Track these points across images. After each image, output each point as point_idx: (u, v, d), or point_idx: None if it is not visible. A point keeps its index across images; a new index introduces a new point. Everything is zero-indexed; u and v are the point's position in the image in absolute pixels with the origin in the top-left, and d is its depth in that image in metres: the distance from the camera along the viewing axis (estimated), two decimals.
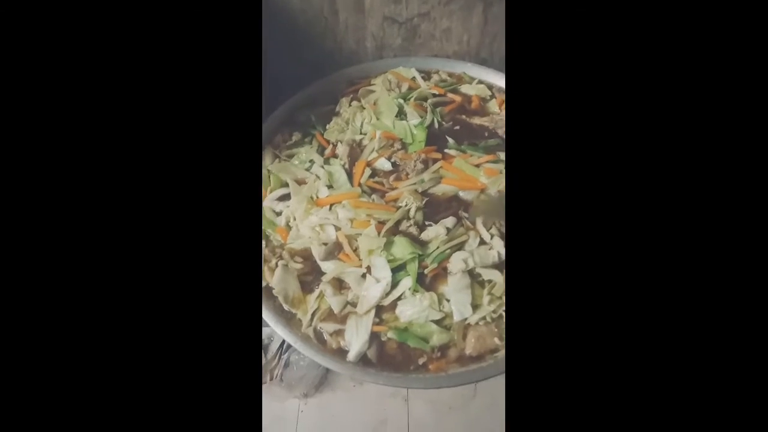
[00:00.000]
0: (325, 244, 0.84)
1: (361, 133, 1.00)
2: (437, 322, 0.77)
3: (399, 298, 0.79)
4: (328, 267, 0.83)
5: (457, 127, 1.00)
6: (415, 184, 0.90)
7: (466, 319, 0.77)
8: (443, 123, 1.00)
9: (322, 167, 0.94)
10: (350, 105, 1.04)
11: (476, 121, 1.00)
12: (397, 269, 0.80)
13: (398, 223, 0.85)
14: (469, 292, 0.78)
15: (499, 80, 1.07)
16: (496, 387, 0.73)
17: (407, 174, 0.93)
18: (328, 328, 0.79)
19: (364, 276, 0.81)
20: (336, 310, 0.79)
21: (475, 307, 0.78)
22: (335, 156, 0.96)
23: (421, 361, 0.76)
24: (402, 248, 0.80)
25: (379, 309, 0.79)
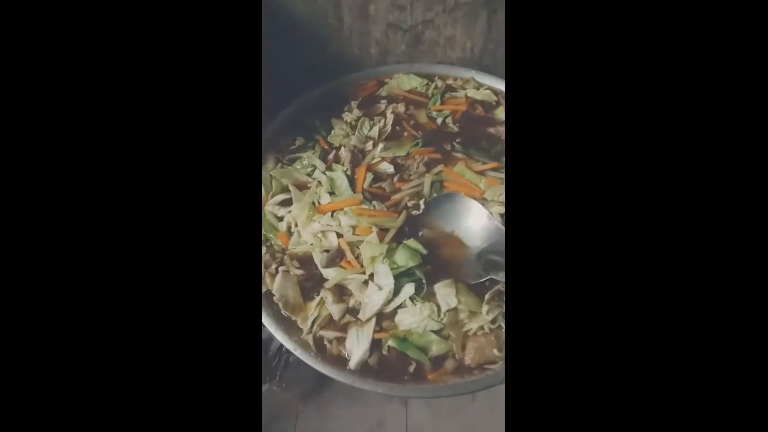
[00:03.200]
0: (327, 251, 0.84)
1: (368, 139, 1.00)
2: (436, 332, 0.78)
3: (400, 306, 0.79)
4: (330, 274, 0.83)
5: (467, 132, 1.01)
6: (417, 186, 0.91)
7: (464, 325, 0.78)
8: (454, 127, 1.01)
9: (324, 173, 0.94)
10: (355, 109, 1.05)
11: (483, 130, 1.01)
12: (400, 276, 0.80)
13: (401, 229, 0.85)
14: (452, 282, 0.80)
15: (503, 87, 1.07)
16: (496, 391, 0.75)
17: (410, 175, 0.93)
18: (328, 335, 0.79)
19: (366, 283, 0.81)
20: (336, 318, 0.79)
21: (473, 314, 0.79)
22: (338, 161, 0.97)
23: (420, 369, 0.76)
24: (405, 255, 0.81)
25: (379, 316, 0.79)
